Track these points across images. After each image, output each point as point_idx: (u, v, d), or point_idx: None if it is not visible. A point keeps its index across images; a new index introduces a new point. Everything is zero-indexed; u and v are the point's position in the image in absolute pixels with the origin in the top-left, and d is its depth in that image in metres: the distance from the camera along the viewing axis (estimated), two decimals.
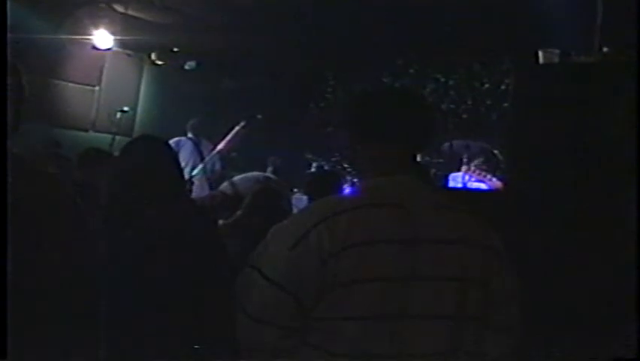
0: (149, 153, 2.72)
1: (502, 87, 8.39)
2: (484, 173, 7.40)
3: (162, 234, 2.47)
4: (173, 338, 2.38)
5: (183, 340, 2.39)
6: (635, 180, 3.33)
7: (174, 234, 2.47)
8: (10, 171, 1.67)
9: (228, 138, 7.08)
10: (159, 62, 9.30)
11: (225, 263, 2.66)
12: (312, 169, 8.93)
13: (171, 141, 7.75)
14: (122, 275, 2.32)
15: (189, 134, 8.10)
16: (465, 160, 7.65)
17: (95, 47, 8.39)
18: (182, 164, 7.65)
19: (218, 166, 8.09)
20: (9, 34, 1.92)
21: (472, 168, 7.50)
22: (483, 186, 7.29)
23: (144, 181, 2.60)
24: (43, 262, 1.70)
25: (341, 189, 3.86)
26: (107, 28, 8.22)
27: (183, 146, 7.96)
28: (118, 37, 8.39)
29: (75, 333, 1.80)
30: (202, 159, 7.69)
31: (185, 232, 2.50)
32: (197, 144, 8.00)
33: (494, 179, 7.37)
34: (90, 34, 8.23)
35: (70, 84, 8.56)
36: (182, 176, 2.88)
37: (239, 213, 4.48)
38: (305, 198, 5.47)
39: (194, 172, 7.22)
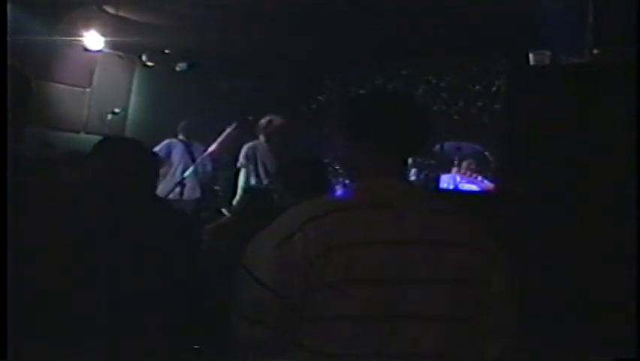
0: (112, 153, 2.72)
1: (494, 89, 8.41)
2: (474, 174, 7.43)
3: (132, 233, 2.47)
4: (158, 338, 2.40)
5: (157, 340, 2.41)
6: (631, 180, 3.34)
7: (144, 233, 2.48)
8: (11, 173, 1.66)
9: (220, 139, 7.06)
10: (150, 64, 9.27)
11: (196, 266, 2.67)
12: None
13: (162, 143, 7.76)
14: (107, 276, 2.32)
15: (180, 136, 8.09)
16: (455, 162, 7.68)
17: (85, 49, 8.37)
18: (174, 166, 7.67)
19: (209, 168, 8.08)
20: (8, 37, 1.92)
21: (462, 169, 7.53)
22: (473, 187, 7.32)
23: (109, 181, 2.61)
24: (43, 263, 1.70)
25: (328, 192, 3.86)
26: (98, 30, 8.20)
27: (174, 148, 7.95)
28: (109, 39, 8.37)
29: (75, 333, 1.79)
30: (193, 161, 7.67)
31: (156, 233, 2.52)
32: (188, 146, 7.99)
33: (484, 180, 7.40)
34: (81, 36, 8.21)
35: (62, 86, 8.54)
36: (150, 176, 2.86)
37: (227, 216, 4.50)
38: None
39: (186, 174, 7.20)
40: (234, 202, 6.44)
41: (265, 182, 6.59)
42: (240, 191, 6.67)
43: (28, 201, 1.71)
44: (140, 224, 2.52)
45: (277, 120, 6.77)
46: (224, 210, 6.74)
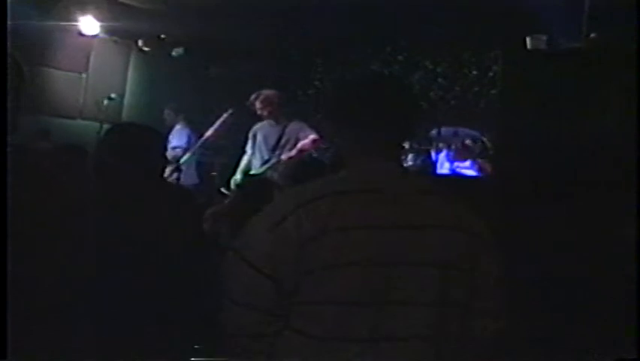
0: (126, 138, 2.72)
1: (491, 74, 8.39)
2: (465, 154, 7.45)
3: (141, 217, 2.47)
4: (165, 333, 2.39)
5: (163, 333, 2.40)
6: (629, 166, 3.33)
7: (151, 218, 2.48)
8: (10, 170, 1.65)
9: (216, 126, 7.04)
10: (146, 49, 9.24)
11: (202, 252, 2.67)
12: None
13: (174, 130, 7.78)
14: (111, 269, 2.31)
15: (177, 122, 8.06)
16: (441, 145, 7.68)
17: (81, 34, 8.33)
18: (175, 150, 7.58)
19: (206, 154, 8.06)
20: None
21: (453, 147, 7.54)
22: (467, 166, 7.34)
23: (122, 167, 2.61)
24: (43, 262, 1.68)
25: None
26: (94, 15, 8.16)
27: (177, 132, 7.93)
28: (105, 24, 8.33)
29: (75, 332, 1.79)
30: (189, 146, 7.66)
31: (162, 218, 2.51)
32: (183, 129, 7.98)
33: (477, 161, 7.42)
34: (77, 21, 8.17)
35: (57, 71, 8.49)
36: (160, 161, 2.87)
37: (227, 202, 4.48)
38: None
39: (182, 160, 7.19)
40: (232, 183, 6.45)
41: (266, 157, 6.56)
42: (238, 173, 6.68)
43: (26, 195, 1.70)
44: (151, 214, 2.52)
45: (266, 91, 6.70)
46: (223, 190, 6.73)
